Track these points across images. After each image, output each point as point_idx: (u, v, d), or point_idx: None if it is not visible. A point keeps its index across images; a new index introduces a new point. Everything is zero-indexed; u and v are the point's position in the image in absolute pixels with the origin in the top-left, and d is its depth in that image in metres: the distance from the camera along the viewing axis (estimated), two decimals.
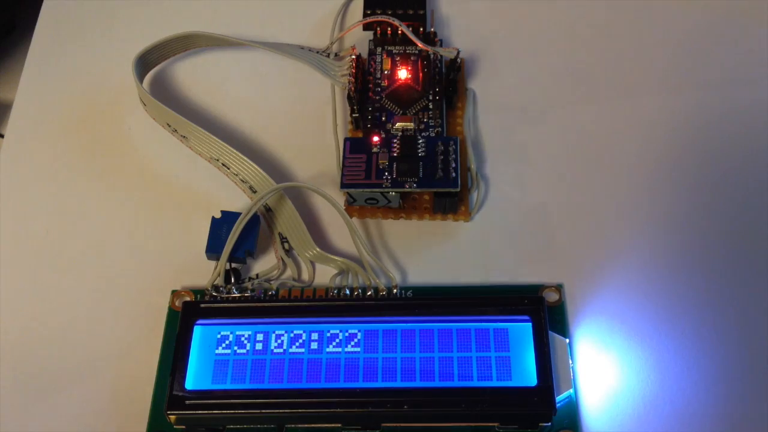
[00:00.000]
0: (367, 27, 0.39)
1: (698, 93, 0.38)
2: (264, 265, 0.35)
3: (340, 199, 0.35)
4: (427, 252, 0.35)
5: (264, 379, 0.31)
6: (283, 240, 0.35)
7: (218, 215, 0.34)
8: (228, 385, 0.31)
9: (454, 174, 0.33)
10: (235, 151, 0.36)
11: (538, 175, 0.37)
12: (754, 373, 0.31)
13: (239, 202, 0.36)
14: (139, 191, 0.37)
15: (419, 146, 0.34)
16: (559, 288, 0.33)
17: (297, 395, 0.30)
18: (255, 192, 0.35)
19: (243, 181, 0.36)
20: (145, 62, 0.39)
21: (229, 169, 0.36)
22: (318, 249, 0.34)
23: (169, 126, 0.38)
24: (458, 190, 0.33)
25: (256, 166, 0.35)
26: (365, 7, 0.40)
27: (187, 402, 0.30)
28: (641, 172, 0.36)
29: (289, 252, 0.35)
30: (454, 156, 0.34)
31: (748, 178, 0.36)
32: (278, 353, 0.31)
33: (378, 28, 0.39)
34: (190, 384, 0.30)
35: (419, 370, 0.31)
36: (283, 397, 0.30)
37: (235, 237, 0.33)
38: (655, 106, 0.38)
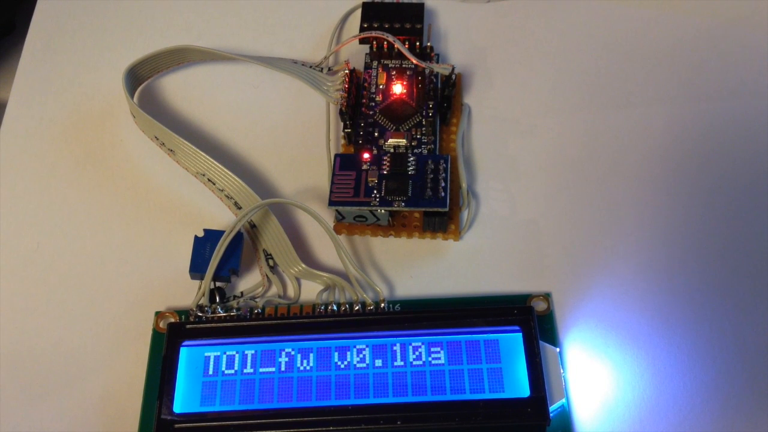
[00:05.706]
0: (364, 40, 0.39)
1: (689, 105, 0.38)
2: (249, 282, 0.34)
3: (326, 214, 0.34)
4: (415, 269, 0.34)
5: (253, 400, 0.30)
6: (268, 257, 0.34)
7: (202, 233, 0.34)
8: (217, 407, 0.30)
9: (443, 194, 0.33)
10: (220, 166, 0.35)
11: (528, 190, 0.36)
12: (752, 381, 0.31)
13: (224, 218, 0.35)
14: (127, 206, 0.36)
15: (409, 164, 0.34)
16: (547, 297, 0.33)
17: (288, 414, 0.30)
18: (240, 208, 0.35)
19: (228, 197, 0.35)
20: (135, 75, 0.39)
21: (214, 184, 0.36)
22: (303, 265, 0.34)
23: (158, 139, 0.37)
24: (447, 210, 0.33)
25: (241, 182, 0.35)
26: (362, 20, 0.39)
27: (176, 426, 0.29)
28: (632, 179, 0.36)
29: (273, 269, 0.34)
30: (444, 175, 0.34)
31: (739, 183, 0.36)
32: (267, 372, 0.31)
33: (374, 42, 0.38)
34: (178, 407, 0.30)
35: (411, 385, 0.30)
36: (274, 417, 0.30)
37: (219, 256, 0.33)
38: (645, 119, 0.38)
